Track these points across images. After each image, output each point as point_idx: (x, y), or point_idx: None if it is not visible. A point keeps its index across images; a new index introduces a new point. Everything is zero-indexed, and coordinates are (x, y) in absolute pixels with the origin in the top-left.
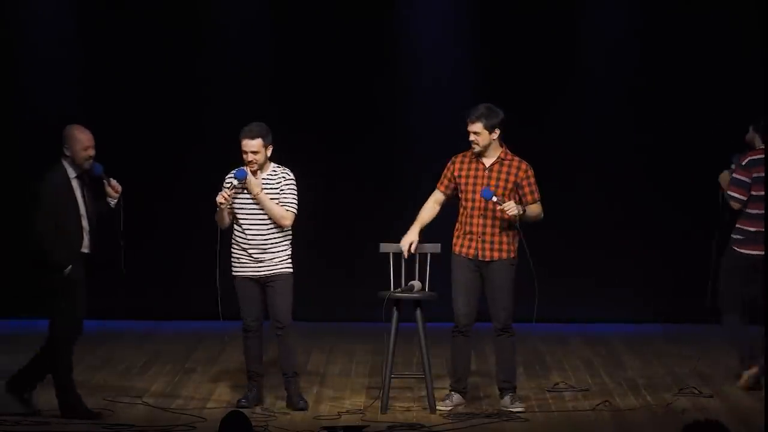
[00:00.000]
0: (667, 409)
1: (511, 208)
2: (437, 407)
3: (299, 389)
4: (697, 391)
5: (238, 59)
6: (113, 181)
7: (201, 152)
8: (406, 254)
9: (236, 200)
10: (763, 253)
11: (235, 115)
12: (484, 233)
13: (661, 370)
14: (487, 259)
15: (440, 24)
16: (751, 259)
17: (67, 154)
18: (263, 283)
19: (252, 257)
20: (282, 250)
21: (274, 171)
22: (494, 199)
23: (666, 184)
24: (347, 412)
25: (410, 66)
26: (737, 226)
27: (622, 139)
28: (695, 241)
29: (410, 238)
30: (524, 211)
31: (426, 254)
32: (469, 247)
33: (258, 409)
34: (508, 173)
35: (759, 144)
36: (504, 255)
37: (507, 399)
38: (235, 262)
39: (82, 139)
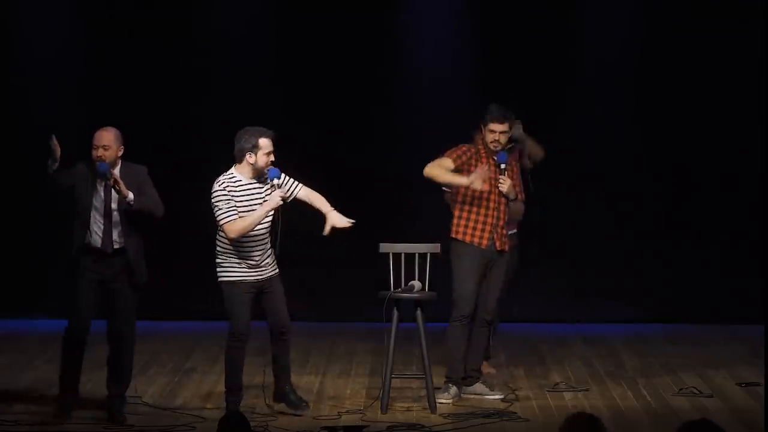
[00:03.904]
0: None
1: (507, 183)
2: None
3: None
4: (697, 391)
5: (239, 58)
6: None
7: (200, 152)
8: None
9: (247, 202)
10: None
11: (236, 115)
12: (497, 225)
13: (661, 370)
14: (498, 249)
15: (441, 23)
16: None
17: None
18: (261, 288)
19: (256, 261)
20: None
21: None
22: (502, 166)
23: (666, 185)
24: (347, 412)
25: (411, 66)
26: None
27: (623, 140)
28: (695, 242)
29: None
30: (516, 197)
31: (426, 254)
32: (482, 237)
33: (258, 410)
34: (512, 168)
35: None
36: (507, 247)
37: (482, 386)
38: (236, 267)
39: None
